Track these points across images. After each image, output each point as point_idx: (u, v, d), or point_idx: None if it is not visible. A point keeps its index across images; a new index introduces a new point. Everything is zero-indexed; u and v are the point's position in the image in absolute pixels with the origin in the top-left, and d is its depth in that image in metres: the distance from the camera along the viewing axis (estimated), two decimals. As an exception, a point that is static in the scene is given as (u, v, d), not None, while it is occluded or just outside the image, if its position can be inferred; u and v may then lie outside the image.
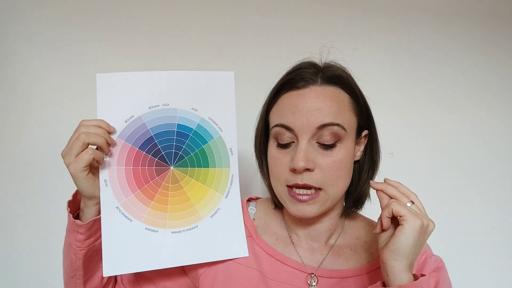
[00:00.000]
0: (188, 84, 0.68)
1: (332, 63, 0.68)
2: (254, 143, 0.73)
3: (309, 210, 0.63)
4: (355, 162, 0.69)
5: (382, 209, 0.58)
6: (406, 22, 1.13)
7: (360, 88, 0.67)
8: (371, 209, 0.72)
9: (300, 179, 0.61)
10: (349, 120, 0.63)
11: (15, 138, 1.00)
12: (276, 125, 0.64)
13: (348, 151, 0.63)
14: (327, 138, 0.61)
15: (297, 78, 0.64)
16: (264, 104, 0.70)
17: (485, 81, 1.12)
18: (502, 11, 1.14)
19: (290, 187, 0.63)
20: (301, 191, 0.62)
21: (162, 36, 1.06)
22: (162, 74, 0.67)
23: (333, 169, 0.61)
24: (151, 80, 0.67)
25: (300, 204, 0.63)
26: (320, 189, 0.62)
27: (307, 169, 0.61)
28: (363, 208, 0.72)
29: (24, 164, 1.01)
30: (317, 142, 0.62)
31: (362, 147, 0.69)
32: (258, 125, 0.72)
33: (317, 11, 1.11)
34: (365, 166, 0.69)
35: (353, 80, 0.67)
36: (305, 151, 0.60)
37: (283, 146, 0.64)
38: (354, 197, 0.70)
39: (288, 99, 0.64)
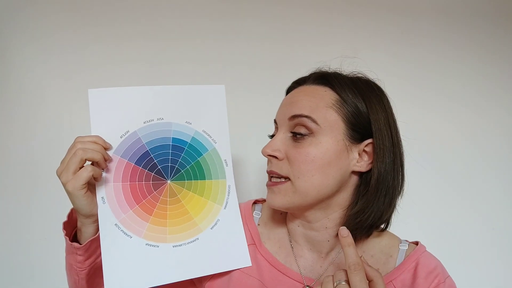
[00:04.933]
0: (181, 98, 0.69)
1: (339, 71, 0.68)
2: None
3: (274, 198, 0.64)
4: (363, 174, 0.63)
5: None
6: (405, 25, 1.13)
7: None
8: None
9: (269, 166, 0.65)
10: (326, 116, 0.61)
11: (17, 139, 0.99)
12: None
13: (322, 149, 0.60)
14: (297, 129, 0.62)
15: (294, 82, 0.70)
16: None
17: (481, 84, 1.13)
18: (502, 13, 1.15)
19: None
20: (273, 178, 0.65)
21: (166, 39, 1.06)
22: (155, 88, 0.68)
23: (299, 161, 0.61)
24: (144, 95, 0.67)
25: (270, 191, 0.65)
26: (288, 179, 0.63)
27: (275, 157, 0.64)
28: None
29: (25, 165, 0.99)
30: (291, 133, 0.64)
31: (367, 157, 0.63)
32: None
33: (314, 16, 1.09)
34: (386, 182, 0.61)
35: (353, 85, 0.64)
36: (275, 140, 0.64)
37: (270, 137, 0.69)
38: (370, 219, 0.62)
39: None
